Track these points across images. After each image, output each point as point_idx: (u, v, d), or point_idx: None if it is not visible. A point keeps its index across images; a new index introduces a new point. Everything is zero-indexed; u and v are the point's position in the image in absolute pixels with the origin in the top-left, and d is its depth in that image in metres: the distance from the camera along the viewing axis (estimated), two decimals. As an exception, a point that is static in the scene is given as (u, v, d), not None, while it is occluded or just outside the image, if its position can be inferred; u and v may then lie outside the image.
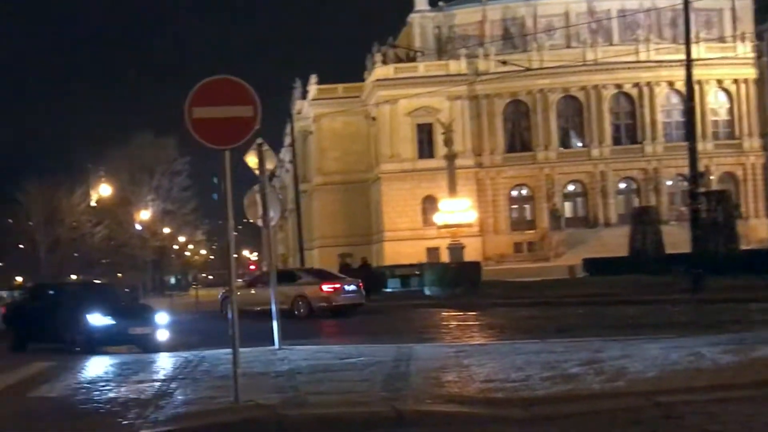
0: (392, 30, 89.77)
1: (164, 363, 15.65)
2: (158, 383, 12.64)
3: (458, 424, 9.19)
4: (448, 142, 50.84)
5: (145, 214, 78.15)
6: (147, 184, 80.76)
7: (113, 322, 19.36)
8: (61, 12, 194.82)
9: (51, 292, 23.57)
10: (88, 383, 13.25)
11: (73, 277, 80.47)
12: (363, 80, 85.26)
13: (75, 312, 19.80)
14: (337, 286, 30.61)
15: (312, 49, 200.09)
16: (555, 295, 33.71)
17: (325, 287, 30.12)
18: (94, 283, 36.68)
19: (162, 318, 20.51)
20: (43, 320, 21.01)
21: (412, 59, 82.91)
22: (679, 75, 57.97)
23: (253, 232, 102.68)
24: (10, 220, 78.05)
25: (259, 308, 23.57)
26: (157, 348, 18.82)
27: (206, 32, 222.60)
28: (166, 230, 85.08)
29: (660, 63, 75.00)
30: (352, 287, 31.02)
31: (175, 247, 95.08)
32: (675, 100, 78.88)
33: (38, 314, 21.30)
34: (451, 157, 48.93)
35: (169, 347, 18.82)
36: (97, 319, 19.44)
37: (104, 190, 69.71)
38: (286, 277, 29.80)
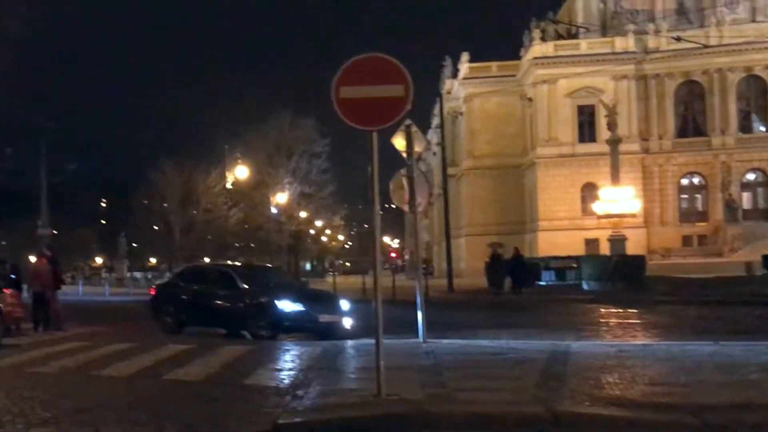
0: (552, 4, 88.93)
1: (303, 351, 16.08)
2: (297, 372, 13.03)
3: (620, 429, 9.00)
4: (611, 125, 50.18)
5: (281, 197, 78.96)
6: (285, 166, 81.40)
7: (303, 308, 19.85)
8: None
9: (214, 274, 23.58)
10: (225, 368, 13.81)
11: (206, 259, 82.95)
12: (519, 58, 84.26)
13: (262, 298, 20.44)
14: None
15: (463, 25, 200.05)
16: (729, 294, 32.93)
17: None
18: (259, 265, 37.08)
19: (345, 305, 20.97)
20: (205, 304, 21.64)
21: (574, 36, 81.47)
22: None
23: (394, 218, 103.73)
24: (146, 201, 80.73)
25: None
26: (344, 336, 19.11)
27: (349, 8, 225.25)
28: (303, 214, 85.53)
29: None
30: None
31: (312, 231, 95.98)
32: None
33: (199, 297, 21.92)
34: (614, 142, 48.27)
35: (355, 336, 19.14)
36: (287, 306, 20.00)
37: (240, 172, 71.04)
38: None
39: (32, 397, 11.28)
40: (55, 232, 71.05)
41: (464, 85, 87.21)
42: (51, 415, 9.99)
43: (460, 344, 16.71)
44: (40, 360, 15.79)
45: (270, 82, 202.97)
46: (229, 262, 35.46)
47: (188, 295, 22.36)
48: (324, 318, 19.95)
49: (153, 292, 25.55)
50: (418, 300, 17.34)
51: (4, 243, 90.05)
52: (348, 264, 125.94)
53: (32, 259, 28.42)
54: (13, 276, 25.55)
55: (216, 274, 23.08)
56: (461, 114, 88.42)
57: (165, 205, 78.36)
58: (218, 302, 21.35)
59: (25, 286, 25.56)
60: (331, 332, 19.48)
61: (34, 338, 21.61)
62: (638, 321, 24.75)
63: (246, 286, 21.10)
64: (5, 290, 21.42)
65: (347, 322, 20.30)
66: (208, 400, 10.71)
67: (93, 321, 27.81)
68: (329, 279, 60.41)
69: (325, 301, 21.55)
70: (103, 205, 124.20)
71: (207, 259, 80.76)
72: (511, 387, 10.89)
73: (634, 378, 11.46)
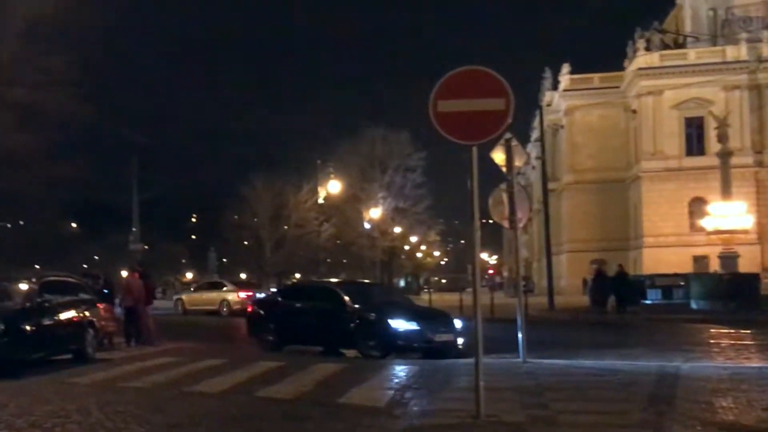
0: (657, 13, 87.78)
1: (399, 370, 16.18)
2: (393, 391, 13.11)
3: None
4: (722, 137, 49.27)
5: (375, 212, 79.30)
6: (378, 181, 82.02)
7: (417, 327, 19.70)
8: (294, 10, 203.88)
9: (319, 291, 23.55)
10: (318, 386, 13.96)
11: (297, 275, 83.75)
12: (622, 69, 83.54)
13: (373, 316, 20.38)
14: None
15: (564, 36, 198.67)
16: None
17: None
18: (366, 282, 37.17)
19: (458, 323, 20.76)
20: (309, 322, 21.69)
21: (681, 45, 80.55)
22: None
23: (492, 234, 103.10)
24: (236, 217, 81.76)
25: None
26: (458, 355, 18.91)
27: (445, 20, 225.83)
28: (397, 229, 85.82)
29: None
30: None
31: (406, 247, 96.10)
32: None
33: (303, 315, 22.04)
34: (725, 155, 47.43)
35: (468, 355, 18.76)
36: (401, 324, 19.90)
37: (333, 186, 71.29)
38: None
39: (125, 411, 11.61)
40: (146, 247, 72.44)
41: (565, 97, 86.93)
42: (144, 430, 10.33)
43: (561, 364, 16.66)
44: (133, 375, 16.21)
45: (363, 96, 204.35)
46: (334, 279, 35.54)
47: (291, 312, 22.42)
48: (440, 337, 19.77)
49: (251, 309, 25.82)
50: (519, 319, 17.35)
51: (96, 258, 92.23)
52: (444, 281, 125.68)
53: (124, 273, 29.05)
54: (105, 290, 26.21)
55: (321, 292, 23.03)
56: (562, 127, 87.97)
57: (255, 220, 79.21)
58: (324, 320, 21.28)
59: (117, 301, 26.12)
60: (446, 352, 19.32)
61: (127, 353, 22.13)
62: (752, 342, 24.18)
63: (355, 305, 21.00)
64: (99, 305, 21.95)
65: (460, 341, 20.09)
66: (301, 419, 10.88)
67: (184, 336, 28.28)
68: (424, 296, 60.51)
69: (440, 319, 21.23)
70: (194, 220, 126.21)
71: (298, 276, 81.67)
72: (617, 410, 10.83)
73: (750, 402, 11.30)
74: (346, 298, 21.30)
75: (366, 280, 48.62)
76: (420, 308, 24.19)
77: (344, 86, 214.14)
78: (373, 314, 20.52)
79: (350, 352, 20.85)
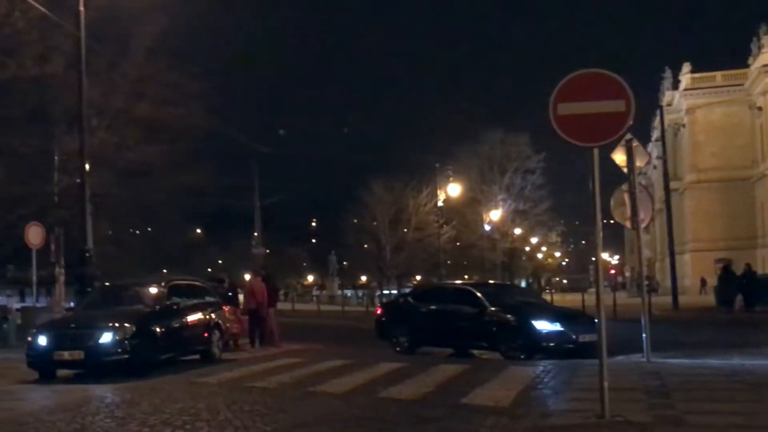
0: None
1: (521, 371, 16.11)
2: (516, 392, 13.09)
3: None
4: None
5: (495, 214, 79.83)
6: (498, 183, 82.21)
7: (561, 328, 19.61)
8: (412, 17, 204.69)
9: (454, 292, 23.20)
10: (440, 387, 14.02)
11: (418, 278, 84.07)
12: (746, 66, 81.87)
13: (514, 317, 20.38)
14: None
15: (683, 35, 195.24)
16: None
17: None
18: (500, 283, 36.78)
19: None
20: (444, 324, 21.68)
21: (808, 41, 78.54)
22: None
23: (613, 234, 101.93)
24: (356, 221, 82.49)
25: None
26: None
27: (559, 23, 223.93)
28: (518, 231, 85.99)
29: None
30: None
31: (527, 248, 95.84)
32: None
33: (437, 317, 21.96)
34: None
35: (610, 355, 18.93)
36: (545, 326, 19.88)
37: (452, 189, 71.64)
38: None
39: (252, 410, 11.93)
40: (268, 251, 73.62)
41: (686, 96, 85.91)
42: (270, 429, 10.56)
43: (687, 364, 16.45)
44: (258, 375, 16.60)
45: (480, 99, 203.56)
46: (469, 280, 35.42)
47: (424, 314, 22.39)
48: (583, 338, 19.43)
49: (379, 311, 25.89)
50: (643, 318, 17.22)
51: (220, 262, 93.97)
52: (565, 281, 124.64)
53: (247, 277, 29.64)
54: (230, 294, 26.81)
55: (457, 293, 22.78)
56: (683, 126, 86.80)
57: (375, 224, 79.72)
58: (461, 322, 21.18)
59: (241, 304, 26.63)
60: (589, 352, 18.64)
61: (251, 353, 22.68)
62: None
63: (493, 306, 20.93)
64: (224, 307, 22.49)
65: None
66: (424, 420, 10.94)
67: (306, 338, 28.70)
68: (546, 297, 60.21)
69: (581, 320, 20.92)
70: (314, 225, 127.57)
71: (418, 278, 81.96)
72: (747, 411, 10.59)
73: None
74: (485, 299, 21.23)
75: (500, 282, 48.51)
76: (561, 309, 23.98)
77: (462, 90, 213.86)
78: (515, 316, 20.46)
79: (485, 354, 20.91)
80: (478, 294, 21.65)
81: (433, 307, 22.47)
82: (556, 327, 19.73)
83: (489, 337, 20.60)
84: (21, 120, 27.56)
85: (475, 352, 21.64)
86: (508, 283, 49.11)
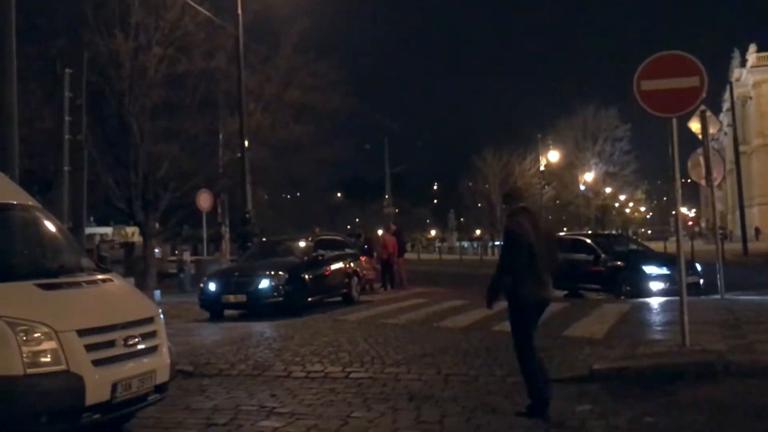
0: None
1: (614, 308, 15.85)
2: (609, 325, 12.96)
3: None
4: None
5: (588, 176, 79.85)
6: (590, 150, 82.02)
7: (668, 272, 18.93)
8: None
9: (570, 243, 22.02)
10: (544, 322, 13.73)
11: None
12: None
13: (627, 263, 19.99)
14: None
15: (751, 16, 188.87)
16: None
17: None
18: (609, 234, 35.86)
19: (698, 267, 20.09)
20: (561, 270, 21.20)
21: None
22: None
23: (690, 191, 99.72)
24: (470, 184, 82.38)
25: None
26: (700, 294, 18.36)
27: (644, 8, 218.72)
28: (608, 190, 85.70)
29: None
30: None
31: (616, 205, 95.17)
32: None
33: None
34: None
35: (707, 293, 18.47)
36: (653, 270, 19.49)
37: (552, 156, 71.77)
38: None
39: (386, 342, 12.08)
40: (396, 210, 73.98)
41: (753, 72, 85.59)
42: (401, 357, 10.72)
43: (757, 301, 16.09)
44: (390, 313, 16.72)
45: (574, 78, 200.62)
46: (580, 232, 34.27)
47: None
48: (687, 280, 19.05)
49: None
50: (717, 263, 16.95)
51: (357, 220, 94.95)
52: (649, 232, 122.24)
53: (380, 232, 29.76)
54: (366, 246, 27.04)
55: (573, 243, 21.97)
56: (750, 98, 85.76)
57: (487, 186, 79.34)
58: (577, 268, 20.49)
59: (375, 254, 26.80)
60: (693, 292, 18.11)
61: (384, 296, 22.77)
62: None
63: (606, 254, 20.50)
64: (361, 258, 22.68)
65: (701, 283, 19.44)
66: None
67: (430, 282, 28.78)
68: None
69: (685, 264, 20.48)
70: (435, 188, 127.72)
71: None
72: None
73: None
74: (599, 248, 20.89)
75: (611, 232, 47.66)
76: (666, 254, 23.40)
77: (559, 71, 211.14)
78: (626, 262, 20.09)
79: (599, 295, 20.35)
80: (593, 243, 21.32)
81: None
82: (663, 271, 19.21)
83: (602, 281, 20.29)
84: (192, 106, 28.08)
85: (588, 294, 21.20)
86: (619, 233, 48.04)
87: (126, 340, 6.63)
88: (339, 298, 20.02)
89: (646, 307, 15.94)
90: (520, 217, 7.84)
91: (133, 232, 54.08)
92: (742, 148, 65.47)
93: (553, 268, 7.89)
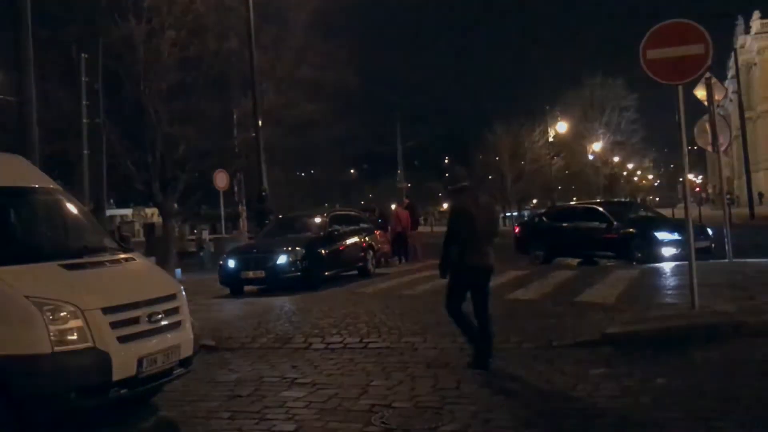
0: None
1: (624, 273, 15.85)
2: (620, 290, 12.96)
3: None
4: None
5: (596, 146, 79.87)
6: (598, 120, 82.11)
7: (679, 237, 18.59)
8: None
9: (583, 211, 22.38)
10: (557, 289, 14.03)
11: (534, 201, 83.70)
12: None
13: (639, 229, 19.95)
14: None
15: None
16: None
17: None
18: (620, 201, 35.76)
19: (709, 232, 20.04)
20: (576, 237, 21.12)
21: None
22: None
23: (697, 158, 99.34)
24: (481, 157, 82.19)
25: None
26: (712, 258, 18.01)
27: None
28: (616, 159, 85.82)
29: None
30: None
31: (624, 173, 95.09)
32: None
33: (570, 232, 21.47)
34: None
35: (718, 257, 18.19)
36: (665, 236, 19.42)
37: (560, 127, 71.89)
38: None
39: (402, 313, 12.12)
40: (409, 185, 73.90)
41: (757, 39, 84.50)
42: (418, 327, 10.79)
43: (764, 263, 16.02)
44: (405, 285, 16.76)
45: (581, 49, 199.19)
46: (594, 201, 34.28)
47: (558, 231, 21.94)
48: (698, 244, 18.86)
49: (518, 230, 25.29)
50: (725, 228, 16.90)
51: (370, 195, 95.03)
52: (657, 199, 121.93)
53: (393, 206, 29.75)
54: (380, 220, 27.03)
55: (586, 212, 22.07)
56: (755, 64, 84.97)
57: (497, 158, 79.14)
58: (591, 236, 20.68)
59: (389, 228, 26.79)
60: (704, 256, 17.75)
61: (398, 268, 22.75)
62: None
63: (618, 221, 20.42)
64: (376, 231, 22.68)
65: (713, 247, 19.32)
66: (546, 315, 10.98)
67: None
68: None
69: (695, 229, 20.36)
70: (446, 161, 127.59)
71: (535, 201, 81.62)
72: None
73: None
74: (611, 216, 20.82)
75: (623, 200, 47.41)
76: (677, 220, 23.25)
77: (566, 43, 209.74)
78: (638, 228, 20.03)
79: (610, 262, 20.33)
80: (605, 211, 21.22)
81: (565, 224, 22.00)
82: (674, 236, 19.07)
83: (615, 247, 20.19)
84: (206, 87, 28.08)
85: (601, 261, 21.15)
86: (630, 200, 47.91)
87: (150, 316, 6.69)
88: (355, 272, 20.05)
89: (657, 271, 15.92)
90: (462, 195, 8.87)
91: (152, 213, 54.26)
92: (747, 114, 64.82)
93: (492, 239, 8.76)
